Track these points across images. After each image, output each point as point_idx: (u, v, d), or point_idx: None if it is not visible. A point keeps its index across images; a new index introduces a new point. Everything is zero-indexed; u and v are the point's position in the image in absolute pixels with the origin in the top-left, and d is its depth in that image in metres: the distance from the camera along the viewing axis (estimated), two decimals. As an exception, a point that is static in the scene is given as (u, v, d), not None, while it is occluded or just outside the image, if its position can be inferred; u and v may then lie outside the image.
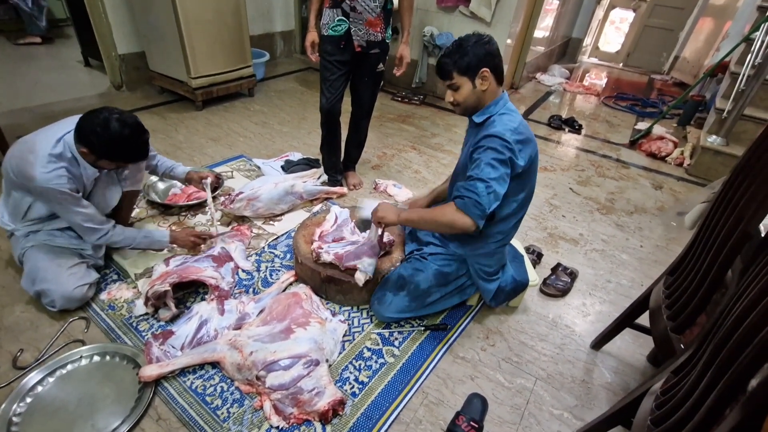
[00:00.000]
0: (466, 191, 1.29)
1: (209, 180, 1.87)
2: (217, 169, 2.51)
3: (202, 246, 1.83)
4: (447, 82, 1.38)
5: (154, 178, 2.19)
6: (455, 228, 1.32)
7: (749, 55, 2.86)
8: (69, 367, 1.36)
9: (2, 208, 1.55)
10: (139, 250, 1.81)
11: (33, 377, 1.31)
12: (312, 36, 2.10)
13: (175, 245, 1.76)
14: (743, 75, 2.85)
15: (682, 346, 1.09)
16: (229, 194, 2.10)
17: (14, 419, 1.21)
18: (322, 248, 1.67)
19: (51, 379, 1.32)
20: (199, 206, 2.17)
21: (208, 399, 1.32)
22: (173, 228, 2.02)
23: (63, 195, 1.38)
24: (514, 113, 1.37)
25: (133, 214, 2.00)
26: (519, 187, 1.40)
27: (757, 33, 2.88)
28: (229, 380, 1.37)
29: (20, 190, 1.44)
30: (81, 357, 1.39)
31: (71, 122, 1.44)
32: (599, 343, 1.64)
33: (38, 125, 1.49)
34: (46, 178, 1.34)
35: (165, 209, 2.14)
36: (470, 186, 1.28)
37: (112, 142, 1.35)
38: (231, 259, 1.80)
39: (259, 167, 2.61)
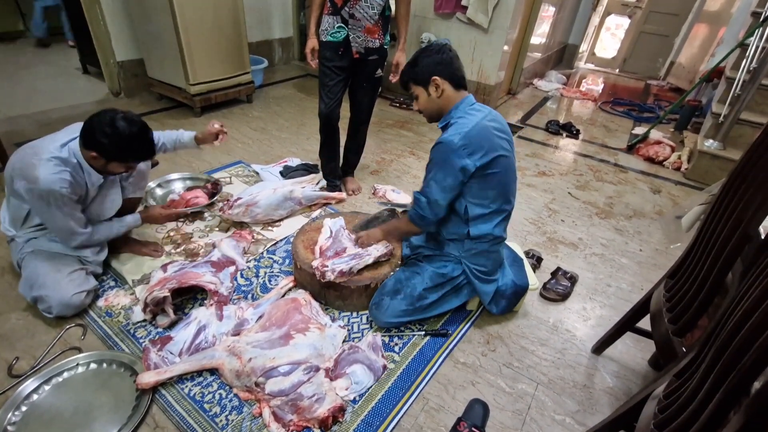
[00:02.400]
0: (416, 201, 1.51)
1: (217, 125, 1.90)
2: (216, 175, 2.51)
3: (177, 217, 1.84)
4: (408, 92, 1.51)
5: (152, 184, 2.19)
6: (409, 233, 1.69)
7: (744, 60, 2.89)
8: (65, 374, 1.35)
9: (4, 213, 1.55)
10: (136, 256, 1.80)
11: (28, 385, 1.29)
12: (312, 43, 2.11)
13: (147, 222, 1.78)
14: (739, 80, 2.88)
15: (683, 349, 1.08)
16: (228, 200, 2.09)
17: (9, 428, 1.19)
18: (326, 266, 1.59)
19: (47, 388, 1.31)
20: (197, 213, 2.16)
21: (206, 406, 1.30)
22: (170, 234, 2.01)
23: (64, 198, 1.38)
24: (472, 116, 1.41)
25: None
26: (485, 185, 1.45)
27: (752, 38, 2.91)
28: (227, 387, 1.36)
29: (17, 196, 1.44)
30: (77, 365, 1.37)
31: (75, 129, 1.44)
32: (600, 347, 1.64)
33: (36, 132, 1.49)
34: (51, 180, 1.33)
35: (163, 215, 2.13)
36: (416, 200, 1.50)
37: (122, 141, 1.36)
38: (230, 264, 1.79)
39: (257, 173, 2.61)
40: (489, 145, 1.39)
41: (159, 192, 2.23)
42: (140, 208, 2.11)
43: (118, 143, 1.36)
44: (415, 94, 1.48)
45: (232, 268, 1.78)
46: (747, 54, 2.89)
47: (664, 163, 3.38)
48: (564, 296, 1.89)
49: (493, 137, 1.42)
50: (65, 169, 1.37)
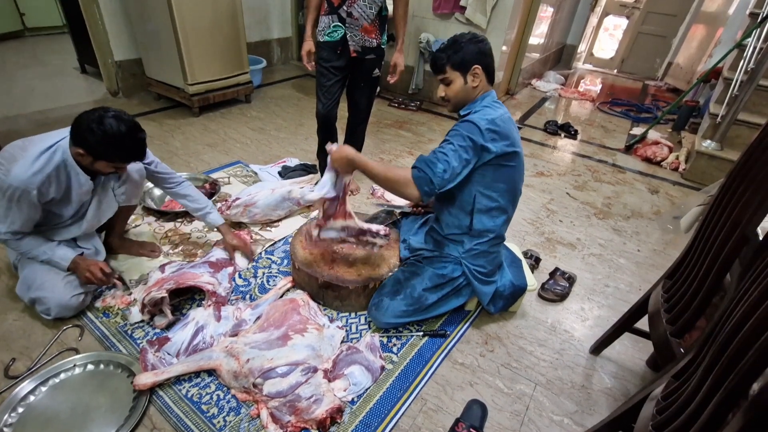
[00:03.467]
0: (425, 165, 1.33)
1: (242, 262, 1.84)
2: (214, 175, 2.51)
3: (113, 281, 1.63)
4: (440, 77, 1.44)
5: (150, 184, 2.18)
6: (401, 193, 1.36)
7: (742, 61, 2.89)
8: (62, 375, 1.34)
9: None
10: (133, 256, 1.80)
11: (25, 387, 1.28)
12: (308, 45, 2.10)
13: (73, 272, 1.53)
14: (736, 80, 2.88)
15: (682, 350, 1.08)
16: (226, 200, 2.09)
17: (5, 430, 1.18)
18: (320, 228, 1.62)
19: (43, 389, 1.30)
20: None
21: (204, 407, 1.30)
22: (169, 234, 2.00)
23: (23, 197, 1.32)
24: (496, 108, 1.41)
25: (128, 220, 1.98)
26: (498, 176, 1.42)
27: (749, 39, 2.91)
28: (225, 388, 1.35)
29: None
30: (74, 366, 1.36)
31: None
32: (598, 347, 1.64)
33: (33, 132, 1.47)
34: (19, 177, 1.28)
35: (161, 215, 2.12)
36: (430, 162, 1.33)
37: (108, 139, 1.30)
38: (228, 264, 1.79)
39: (256, 173, 2.60)
40: (513, 137, 1.40)
41: (157, 192, 2.22)
42: (138, 209, 2.11)
43: (103, 141, 1.30)
44: (449, 79, 1.42)
45: (230, 269, 1.77)
46: (744, 55, 2.90)
47: (662, 163, 3.39)
48: (562, 297, 1.89)
49: (516, 131, 1.43)
50: (43, 170, 1.32)
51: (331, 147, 1.47)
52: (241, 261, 1.84)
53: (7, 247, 1.48)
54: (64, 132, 1.41)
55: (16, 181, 1.29)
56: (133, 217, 2.04)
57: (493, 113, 1.38)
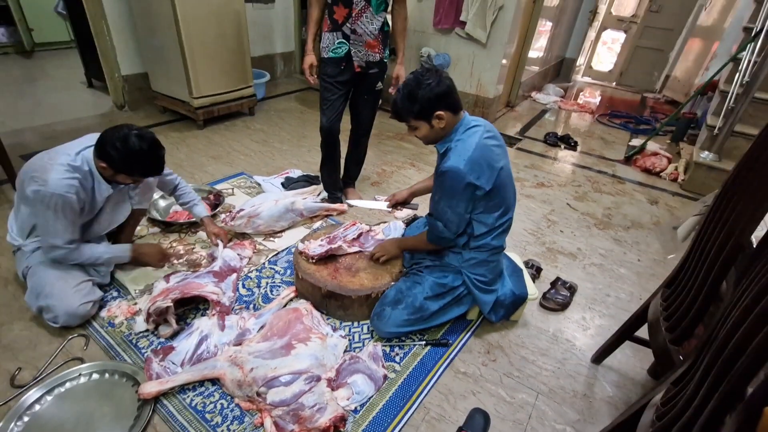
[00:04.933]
0: (432, 227, 1.54)
1: (221, 246, 1.92)
2: (218, 187, 2.54)
3: (173, 260, 1.90)
4: (405, 124, 1.46)
5: (155, 196, 2.21)
6: (435, 250, 1.65)
7: (737, 74, 2.94)
8: (67, 385, 1.35)
9: (11, 223, 1.57)
10: (139, 267, 1.82)
11: (31, 396, 1.29)
12: (310, 59, 2.14)
13: (138, 258, 1.73)
14: (732, 93, 2.93)
15: (681, 357, 1.09)
16: (230, 211, 2.12)
17: (11, 438, 1.20)
18: (308, 248, 1.78)
19: (49, 398, 1.31)
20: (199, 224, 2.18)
21: (207, 416, 1.30)
22: (173, 244, 2.03)
23: (66, 205, 1.41)
24: (471, 137, 1.41)
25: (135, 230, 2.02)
26: (491, 204, 1.47)
27: (744, 53, 2.97)
28: (229, 397, 1.36)
29: (28, 202, 1.46)
30: (80, 375, 1.38)
31: (91, 138, 1.49)
32: (600, 356, 1.64)
33: (41, 145, 1.54)
34: (59, 184, 1.38)
35: (166, 227, 2.15)
36: (432, 226, 1.53)
37: (131, 156, 1.40)
38: (232, 272, 1.81)
39: (259, 184, 2.64)
40: (492, 165, 1.42)
41: (162, 203, 2.26)
42: (143, 220, 2.14)
43: (126, 157, 1.41)
44: (414, 126, 1.44)
45: (233, 276, 1.79)
46: (740, 68, 2.94)
47: (661, 174, 3.42)
48: (563, 306, 1.91)
49: (493, 153, 1.44)
50: (75, 176, 1.42)
51: (374, 252, 1.79)
52: (222, 249, 1.91)
53: (66, 260, 1.53)
54: (86, 141, 1.49)
55: (57, 188, 1.37)
56: (138, 228, 2.07)
57: (468, 148, 1.38)
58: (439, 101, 1.37)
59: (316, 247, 1.77)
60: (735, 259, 1.02)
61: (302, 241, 1.88)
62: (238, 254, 1.94)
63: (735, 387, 0.68)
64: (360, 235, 1.92)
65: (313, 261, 1.74)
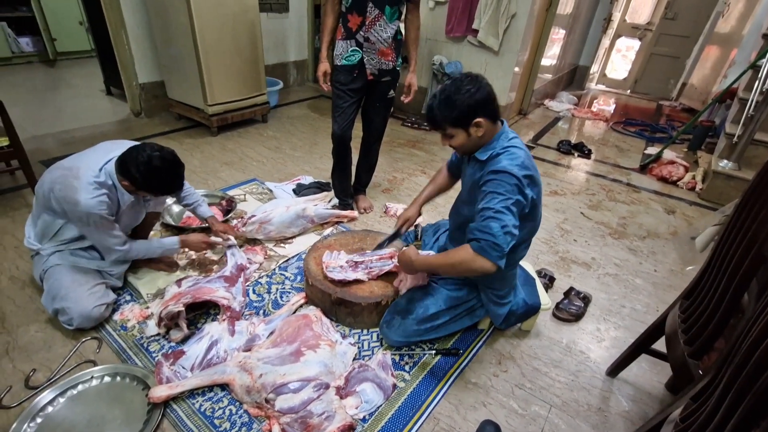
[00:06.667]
0: (481, 233, 1.23)
1: (232, 240, 1.96)
2: (231, 192, 2.57)
3: (219, 246, 1.96)
4: (440, 132, 1.37)
5: (169, 201, 2.25)
6: (474, 271, 1.25)
7: (757, 82, 2.88)
8: (80, 387, 1.37)
9: (29, 229, 1.61)
10: (151, 270, 1.84)
11: (44, 397, 1.31)
12: (324, 66, 2.16)
13: (186, 249, 1.86)
14: (752, 101, 2.86)
15: (700, 372, 1.06)
16: (242, 217, 2.13)
17: (24, 439, 1.21)
18: (330, 268, 1.70)
19: (62, 400, 1.33)
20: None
21: (216, 422, 1.30)
22: (185, 250, 2.04)
23: (102, 220, 1.47)
24: (518, 148, 1.33)
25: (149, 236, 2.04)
26: (527, 219, 1.35)
27: (764, 60, 2.90)
28: (237, 403, 1.36)
29: (53, 212, 1.51)
30: (92, 377, 1.39)
31: (109, 149, 1.53)
32: (615, 369, 1.60)
33: (59, 150, 1.57)
34: (90, 204, 1.42)
35: (179, 232, 2.18)
36: (484, 227, 1.22)
37: (154, 178, 1.46)
38: (240, 272, 1.84)
39: (271, 190, 2.66)
40: (538, 180, 1.34)
41: (176, 209, 2.29)
42: (156, 225, 2.17)
43: (149, 179, 1.45)
44: (450, 134, 1.34)
45: (242, 280, 1.81)
46: (759, 75, 2.88)
47: (678, 183, 3.35)
48: (577, 316, 1.87)
49: (537, 171, 1.35)
50: (103, 192, 1.46)
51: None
52: (233, 240, 1.95)
53: (126, 258, 1.65)
54: (105, 152, 1.53)
55: (90, 208, 1.42)
56: (152, 233, 2.09)
57: (518, 155, 1.29)
58: (479, 108, 1.28)
59: (338, 270, 1.69)
60: (757, 271, 0.99)
61: (323, 249, 1.85)
62: (249, 258, 1.95)
63: (758, 403, 0.65)
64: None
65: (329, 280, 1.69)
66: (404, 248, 1.52)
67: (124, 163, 1.45)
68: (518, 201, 1.24)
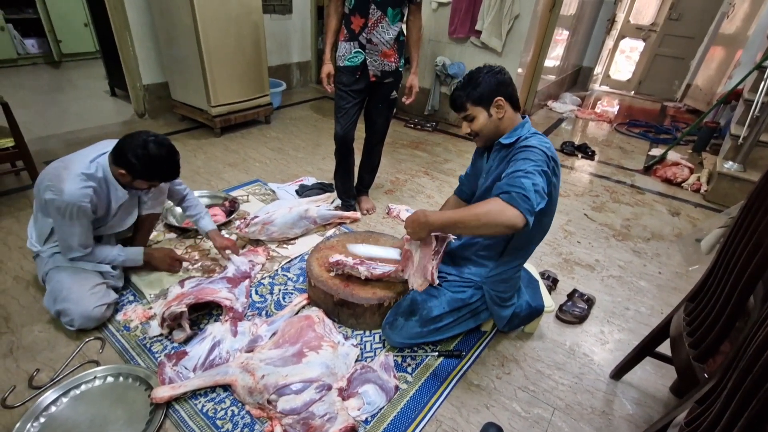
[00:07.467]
0: (510, 187, 1.15)
1: (234, 259, 1.89)
2: (234, 193, 2.57)
3: (188, 265, 1.90)
4: (462, 114, 1.40)
5: (171, 202, 2.25)
6: (500, 224, 1.12)
7: (762, 83, 2.86)
8: (83, 387, 1.37)
9: (31, 230, 1.62)
10: (154, 271, 1.84)
11: (47, 397, 1.31)
12: (328, 68, 2.16)
13: (150, 263, 1.78)
14: (757, 102, 2.85)
15: (705, 375, 1.05)
16: (245, 218, 2.14)
17: (27, 439, 1.21)
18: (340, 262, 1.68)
19: (65, 400, 1.33)
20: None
21: (218, 423, 1.30)
22: (188, 250, 2.05)
23: (80, 212, 1.45)
24: (543, 138, 1.34)
25: (150, 237, 2.05)
26: (542, 213, 1.30)
27: (770, 61, 2.89)
28: (240, 404, 1.36)
29: (44, 210, 1.50)
30: (95, 378, 1.39)
31: (105, 145, 1.53)
32: (619, 372, 1.59)
33: (64, 151, 1.58)
34: (74, 194, 1.41)
35: (182, 232, 2.18)
36: (514, 182, 1.15)
37: (151, 162, 1.44)
38: (245, 278, 1.82)
39: (274, 191, 2.66)
40: (558, 172, 1.33)
41: (178, 210, 2.29)
42: (159, 225, 2.18)
43: (146, 164, 1.44)
44: (471, 115, 1.37)
45: (246, 282, 1.80)
46: (765, 76, 2.86)
47: (683, 184, 3.33)
48: (581, 319, 1.86)
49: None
50: (90, 185, 1.44)
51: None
52: (234, 258, 1.89)
53: (82, 260, 1.59)
54: (100, 148, 1.52)
55: (71, 197, 1.40)
56: (154, 233, 2.10)
57: (547, 140, 1.30)
58: (501, 87, 1.33)
59: (340, 256, 1.71)
60: (763, 274, 0.98)
61: (326, 250, 1.83)
62: (251, 260, 1.95)
63: (765, 407, 0.65)
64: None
65: (331, 270, 1.70)
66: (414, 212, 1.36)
67: (119, 150, 1.44)
68: (547, 173, 1.22)
